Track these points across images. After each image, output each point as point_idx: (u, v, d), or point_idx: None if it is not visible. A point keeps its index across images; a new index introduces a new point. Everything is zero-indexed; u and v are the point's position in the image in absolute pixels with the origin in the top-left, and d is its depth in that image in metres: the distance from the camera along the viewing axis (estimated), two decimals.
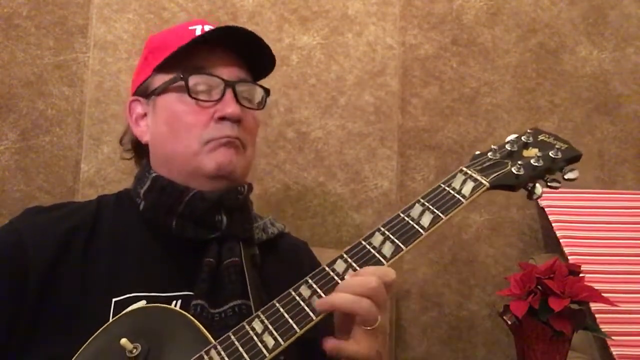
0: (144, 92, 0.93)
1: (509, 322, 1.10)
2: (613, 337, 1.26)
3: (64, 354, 0.71)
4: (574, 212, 1.51)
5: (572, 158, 0.81)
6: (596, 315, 1.34)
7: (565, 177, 0.80)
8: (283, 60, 1.60)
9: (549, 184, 0.81)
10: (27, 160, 1.56)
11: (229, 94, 0.87)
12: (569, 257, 1.44)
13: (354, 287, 0.67)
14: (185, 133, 0.87)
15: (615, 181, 1.66)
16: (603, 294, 1.08)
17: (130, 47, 1.58)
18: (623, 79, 1.69)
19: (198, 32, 0.90)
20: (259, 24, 1.60)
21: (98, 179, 1.53)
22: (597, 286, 1.09)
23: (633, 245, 1.47)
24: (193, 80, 0.87)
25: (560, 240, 1.49)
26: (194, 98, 0.86)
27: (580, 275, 1.10)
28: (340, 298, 0.67)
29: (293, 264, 0.96)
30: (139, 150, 0.97)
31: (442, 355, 1.59)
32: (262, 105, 0.94)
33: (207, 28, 0.91)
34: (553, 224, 1.52)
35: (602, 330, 1.18)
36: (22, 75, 1.58)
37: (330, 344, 0.68)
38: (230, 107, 0.86)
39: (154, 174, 0.88)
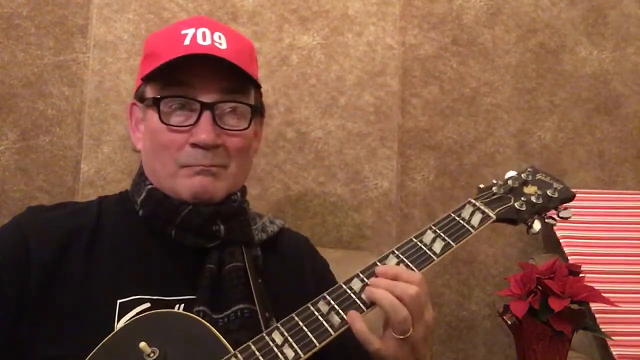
0: (140, 98, 0.91)
1: (509, 322, 1.10)
2: (613, 337, 1.26)
3: (69, 354, 0.71)
4: (574, 212, 1.51)
5: (566, 198, 0.89)
6: (596, 315, 1.34)
7: (560, 215, 0.88)
8: (283, 60, 1.60)
9: (546, 220, 0.88)
10: (27, 160, 1.56)
11: (205, 117, 0.82)
12: (569, 257, 1.44)
13: (395, 289, 0.70)
14: (162, 153, 0.85)
15: (615, 181, 1.66)
16: (603, 294, 1.08)
17: (130, 47, 1.58)
18: (623, 79, 1.69)
19: (188, 40, 0.85)
20: (259, 24, 1.60)
21: (98, 179, 1.53)
22: (597, 286, 1.09)
23: (633, 245, 1.47)
24: (165, 106, 0.83)
25: (560, 240, 1.49)
26: (165, 124, 0.83)
27: (580, 275, 1.10)
28: (380, 294, 0.70)
29: (294, 261, 0.95)
30: None
31: (442, 355, 1.59)
32: (247, 125, 0.88)
33: (199, 33, 0.86)
34: None
35: (602, 330, 1.18)
36: (22, 75, 1.58)
37: (354, 316, 0.70)
38: (203, 133, 0.82)
39: (149, 186, 0.88)
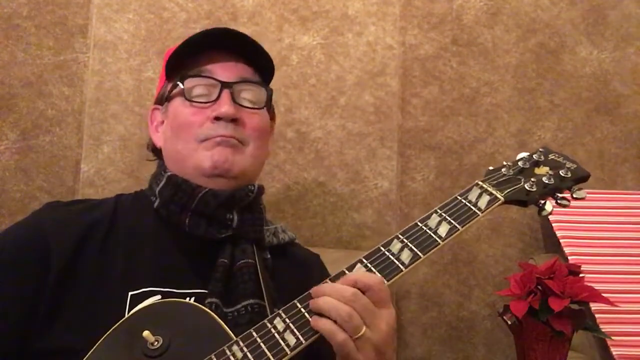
0: (160, 100, 0.98)
1: (509, 322, 1.10)
2: (613, 337, 1.26)
3: (80, 343, 0.73)
4: (574, 212, 1.51)
5: (581, 178, 0.86)
6: (596, 315, 1.34)
7: (574, 195, 0.85)
8: (283, 60, 1.60)
9: (558, 201, 0.85)
10: (27, 160, 1.56)
11: (225, 94, 0.90)
12: (569, 257, 1.44)
13: (333, 293, 0.68)
14: (184, 133, 0.90)
15: (615, 181, 1.66)
16: (603, 294, 1.08)
17: (130, 47, 1.58)
18: (623, 79, 1.69)
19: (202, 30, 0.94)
20: (259, 24, 1.60)
21: (98, 179, 1.53)
22: (597, 286, 1.09)
23: (633, 245, 1.47)
24: (189, 83, 0.91)
25: (560, 240, 1.49)
26: (190, 100, 0.90)
27: (580, 275, 1.10)
28: (324, 302, 0.68)
29: (303, 273, 0.97)
30: (160, 154, 1.00)
31: (442, 355, 1.59)
32: (264, 105, 0.95)
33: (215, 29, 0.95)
34: (553, 224, 1.51)
35: (602, 330, 1.18)
36: (22, 75, 1.58)
37: None
38: (224, 107, 0.89)
39: (169, 173, 0.92)
